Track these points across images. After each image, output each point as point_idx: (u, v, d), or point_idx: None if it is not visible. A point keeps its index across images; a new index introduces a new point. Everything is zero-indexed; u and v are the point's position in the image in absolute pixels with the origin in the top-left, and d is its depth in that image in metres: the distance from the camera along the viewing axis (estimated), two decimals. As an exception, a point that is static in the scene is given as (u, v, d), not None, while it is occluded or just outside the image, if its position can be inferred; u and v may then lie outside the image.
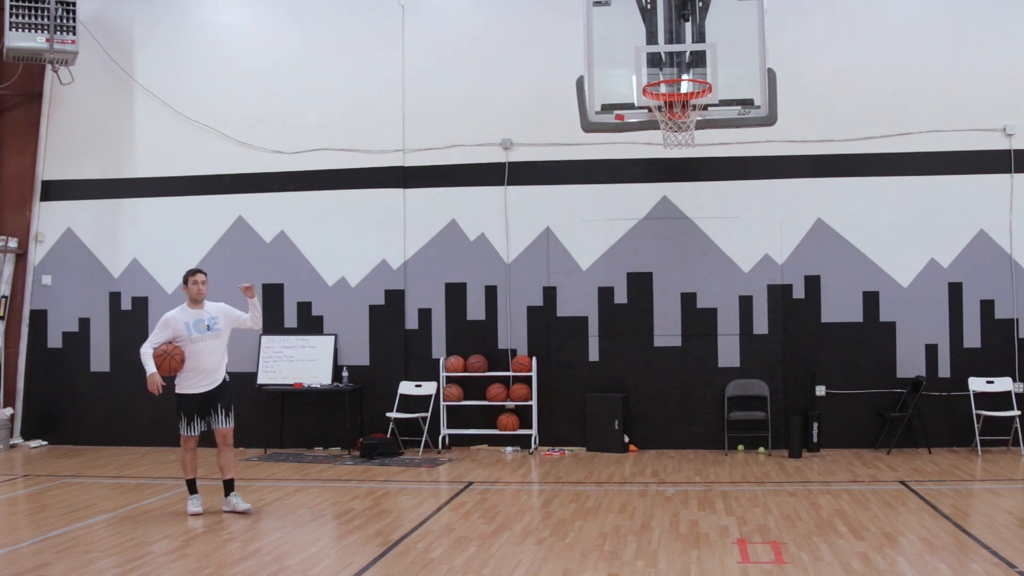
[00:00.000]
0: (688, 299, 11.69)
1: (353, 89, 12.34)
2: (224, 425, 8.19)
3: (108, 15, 12.86)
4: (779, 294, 11.58)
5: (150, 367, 7.97)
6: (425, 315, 12.15)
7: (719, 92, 8.76)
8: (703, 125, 9.03)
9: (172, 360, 8.00)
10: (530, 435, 11.75)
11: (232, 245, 12.47)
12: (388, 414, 11.76)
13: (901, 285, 11.47)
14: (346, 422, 11.78)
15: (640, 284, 11.78)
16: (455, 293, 12.11)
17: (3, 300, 12.79)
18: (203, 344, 8.11)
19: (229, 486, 8.26)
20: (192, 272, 8.33)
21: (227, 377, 8.33)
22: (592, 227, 11.86)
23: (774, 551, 6.62)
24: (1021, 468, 10.08)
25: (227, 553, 6.81)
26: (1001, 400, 11.11)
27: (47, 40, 12.08)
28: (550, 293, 11.95)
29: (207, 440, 8.38)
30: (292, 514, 8.17)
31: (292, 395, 12.14)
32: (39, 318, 12.86)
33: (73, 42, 12.22)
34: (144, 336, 12.27)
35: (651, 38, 9.11)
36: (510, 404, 11.83)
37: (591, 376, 11.79)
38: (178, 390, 8.16)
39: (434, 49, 12.23)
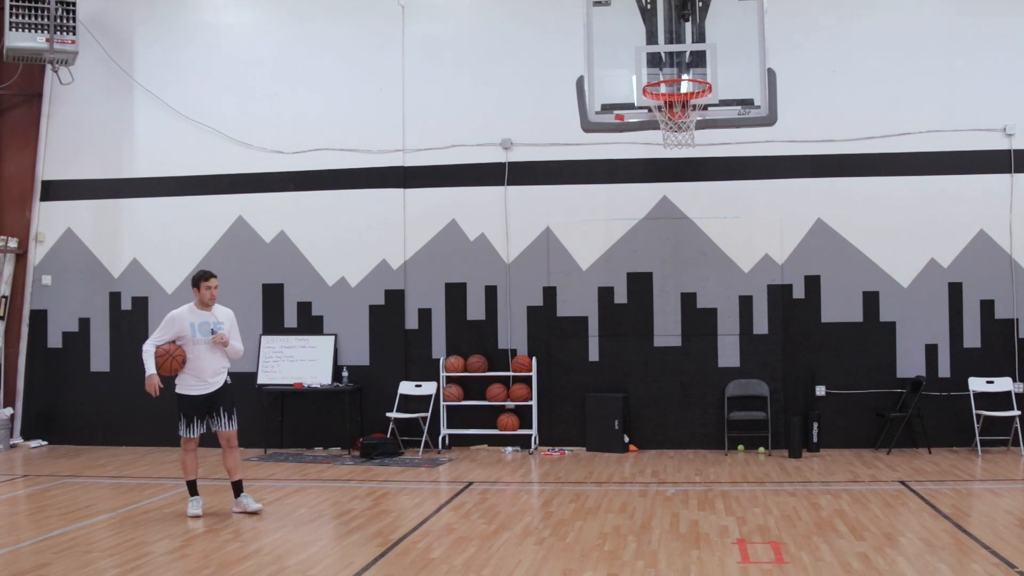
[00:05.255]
0: (688, 299, 11.69)
1: (353, 89, 12.34)
2: (227, 428, 8.14)
3: (108, 15, 12.86)
4: (779, 294, 11.58)
5: (150, 367, 7.89)
6: (425, 315, 12.14)
7: (719, 92, 8.76)
8: (703, 125, 9.03)
9: (174, 361, 7.92)
10: (530, 435, 11.75)
11: (232, 245, 12.47)
12: (388, 414, 11.76)
13: (901, 285, 11.47)
14: (346, 422, 11.78)
15: (640, 284, 11.78)
16: (455, 293, 12.11)
17: (3, 300, 12.79)
18: (205, 347, 8.02)
19: (238, 488, 8.22)
20: (205, 276, 8.10)
21: (229, 380, 8.25)
22: (592, 227, 11.86)
23: (774, 551, 6.62)
24: (1021, 468, 10.08)
25: (227, 553, 6.81)
26: (1001, 400, 11.11)
27: (47, 40, 12.08)
28: (550, 293, 11.95)
29: (210, 441, 8.39)
30: (292, 514, 8.17)
31: (292, 395, 12.14)
32: (39, 318, 12.86)
33: (73, 42, 12.22)
34: (144, 336, 12.39)
35: (651, 38, 9.12)
36: (510, 404, 11.82)
37: (591, 376, 11.78)
38: (178, 390, 8.07)
39: (434, 49, 12.24)
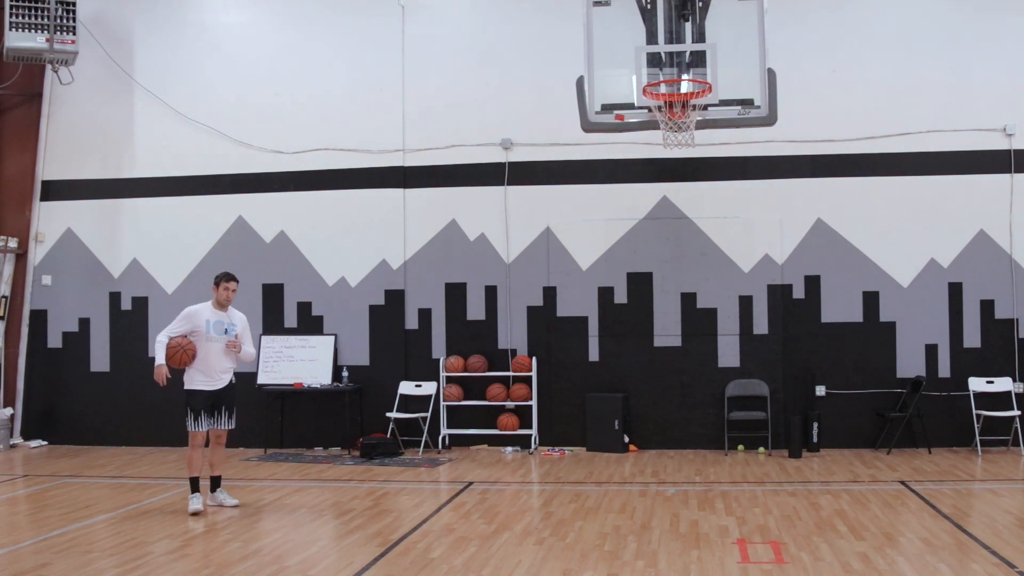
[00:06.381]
0: (688, 299, 11.69)
1: (353, 89, 12.34)
2: (225, 426, 8.44)
3: (108, 15, 12.86)
4: (779, 294, 11.58)
5: (160, 357, 8.13)
6: (425, 315, 12.15)
7: (719, 92, 8.75)
8: (703, 125, 9.02)
9: (185, 354, 8.15)
10: (530, 435, 11.75)
11: (232, 245, 12.47)
12: (388, 414, 11.76)
13: (901, 285, 11.47)
14: (346, 422, 11.78)
15: (640, 284, 11.78)
16: (455, 293, 12.11)
17: (3, 300, 12.79)
18: (216, 345, 8.27)
19: (216, 482, 8.52)
20: (227, 278, 8.41)
21: (234, 380, 8.51)
22: (592, 227, 11.86)
23: (774, 551, 6.62)
24: (1021, 468, 10.08)
25: (227, 553, 6.81)
26: (1001, 400, 11.11)
27: (47, 40, 12.08)
28: (550, 293, 11.95)
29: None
30: (292, 514, 8.18)
31: (292, 395, 12.14)
32: (39, 318, 12.86)
33: (73, 42, 12.22)
34: (144, 336, 12.46)
35: (651, 38, 9.11)
36: (510, 404, 11.82)
37: (591, 376, 11.78)
38: (187, 386, 8.30)
39: (434, 49, 12.23)
